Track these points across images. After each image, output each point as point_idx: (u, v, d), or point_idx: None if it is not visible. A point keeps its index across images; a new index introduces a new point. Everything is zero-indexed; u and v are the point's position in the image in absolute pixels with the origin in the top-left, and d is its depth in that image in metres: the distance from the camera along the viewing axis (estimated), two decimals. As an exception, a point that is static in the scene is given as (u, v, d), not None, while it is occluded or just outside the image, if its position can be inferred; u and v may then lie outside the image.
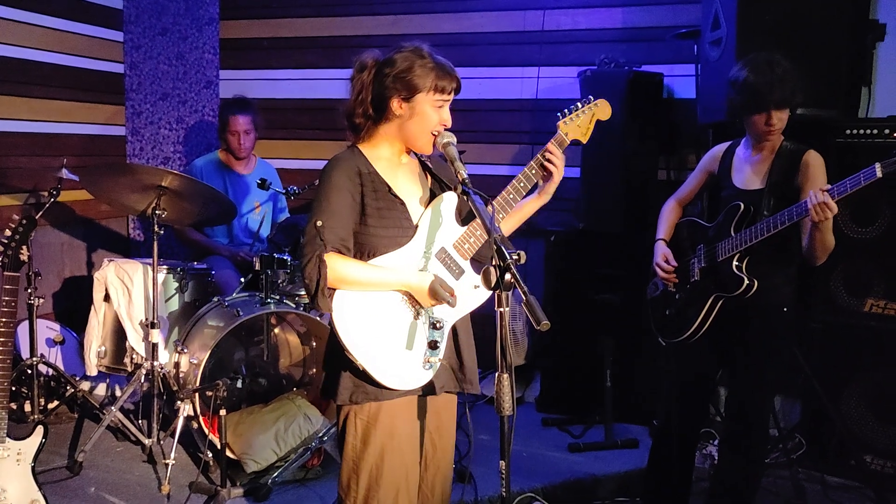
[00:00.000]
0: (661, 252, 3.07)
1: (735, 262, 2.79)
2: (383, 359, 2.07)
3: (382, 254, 2.11)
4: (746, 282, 2.75)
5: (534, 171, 2.22)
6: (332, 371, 2.17)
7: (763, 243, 2.72)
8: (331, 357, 2.19)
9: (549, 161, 2.21)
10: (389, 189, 2.15)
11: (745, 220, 2.79)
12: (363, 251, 2.13)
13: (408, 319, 2.11)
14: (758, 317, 2.83)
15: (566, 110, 2.30)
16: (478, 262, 2.19)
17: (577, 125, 2.30)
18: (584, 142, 2.33)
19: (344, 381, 2.12)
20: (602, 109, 2.33)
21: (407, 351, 2.10)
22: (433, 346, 2.10)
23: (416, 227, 2.16)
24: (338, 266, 2.05)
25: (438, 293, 2.05)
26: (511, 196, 2.20)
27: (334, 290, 2.07)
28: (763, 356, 2.84)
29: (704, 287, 2.91)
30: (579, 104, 2.32)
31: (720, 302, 2.87)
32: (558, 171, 2.22)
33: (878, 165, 2.49)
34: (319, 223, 2.07)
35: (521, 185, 2.21)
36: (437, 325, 2.12)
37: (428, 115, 2.12)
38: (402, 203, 2.16)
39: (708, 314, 2.89)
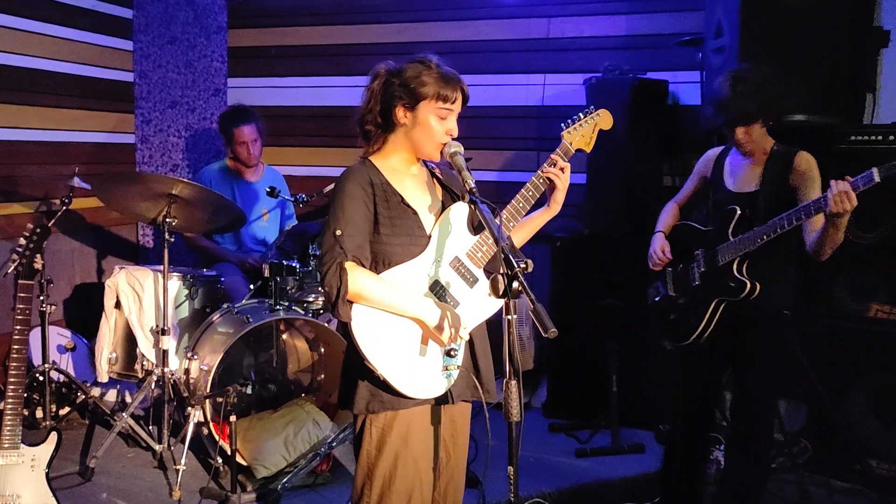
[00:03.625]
0: (660, 242, 3.13)
1: (736, 266, 2.81)
2: (402, 368, 2.09)
3: (397, 263, 2.13)
4: (749, 286, 2.77)
5: (541, 181, 2.24)
6: (349, 381, 2.19)
7: (763, 247, 2.73)
8: (347, 367, 2.21)
9: (551, 173, 2.23)
10: (402, 199, 2.18)
11: (743, 224, 2.81)
12: (378, 260, 2.15)
13: (425, 328, 2.13)
14: (760, 320, 2.85)
15: (569, 120, 2.33)
16: (491, 272, 2.21)
17: (581, 135, 2.33)
18: (588, 150, 2.37)
19: (360, 391, 2.14)
20: (604, 119, 2.37)
21: (425, 359, 2.13)
22: (450, 354, 2.12)
23: (430, 236, 2.19)
24: (357, 280, 2.06)
25: (442, 331, 2.09)
26: (520, 205, 2.22)
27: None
28: (766, 359, 2.86)
29: (707, 291, 2.93)
30: (581, 114, 2.35)
31: (722, 305, 2.89)
32: (562, 182, 2.24)
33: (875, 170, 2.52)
34: (339, 232, 2.09)
35: (530, 193, 2.23)
36: None
37: (431, 124, 2.15)
38: (415, 213, 2.19)
39: (711, 318, 2.90)
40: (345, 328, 2.14)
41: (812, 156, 2.81)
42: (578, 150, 2.34)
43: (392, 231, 2.15)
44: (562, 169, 2.24)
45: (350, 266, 2.07)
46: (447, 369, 2.13)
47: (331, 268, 2.07)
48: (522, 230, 2.36)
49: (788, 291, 2.88)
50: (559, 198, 2.27)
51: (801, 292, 2.95)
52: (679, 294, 3.07)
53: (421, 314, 2.10)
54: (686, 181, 3.22)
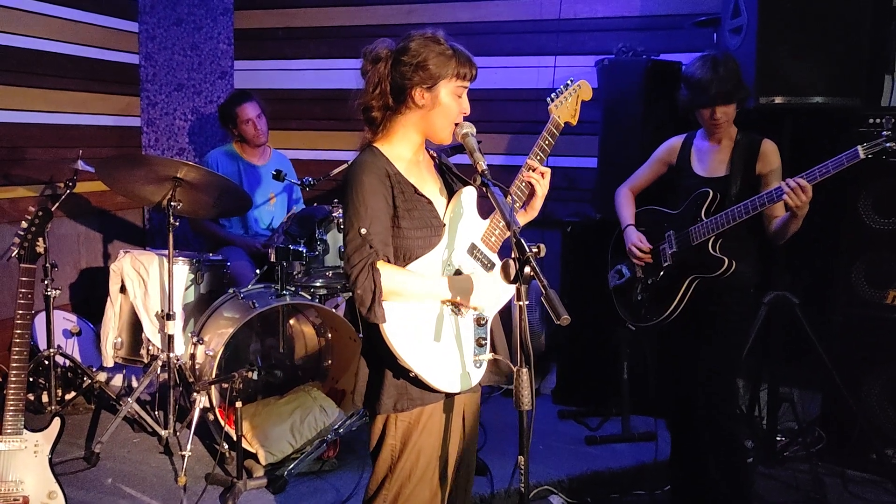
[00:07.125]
0: (636, 235, 3.21)
1: (711, 245, 2.95)
2: (436, 364, 2.03)
3: (418, 256, 2.06)
4: (727, 262, 2.91)
5: (524, 184, 2.16)
6: (373, 381, 2.11)
7: (734, 227, 2.87)
8: (371, 367, 2.13)
9: (532, 178, 2.15)
10: (416, 189, 2.10)
11: (714, 205, 2.96)
12: (398, 254, 2.07)
13: (453, 320, 2.08)
14: (727, 295, 2.99)
15: (554, 94, 2.30)
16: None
17: (566, 108, 2.29)
18: (574, 123, 2.32)
19: (387, 390, 2.06)
20: (584, 90, 2.32)
21: (457, 352, 2.08)
22: (480, 343, 2.09)
23: (444, 224, 2.12)
24: (390, 277, 1.98)
25: (480, 303, 2.06)
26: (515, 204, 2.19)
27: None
28: (731, 332, 3.02)
29: (680, 270, 3.03)
30: (564, 87, 2.31)
31: (695, 283, 3.01)
32: (541, 188, 2.16)
33: (860, 147, 2.65)
34: (364, 230, 1.99)
35: (515, 202, 2.18)
36: (481, 322, 2.11)
37: (450, 104, 2.09)
38: (430, 202, 2.12)
39: (684, 296, 3.03)
40: (368, 329, 2.06)
41: (775, 143, 2.99)
42: (566, 124, 2.29)
43: (411, 224, 2.07)
44: (542, 174, 2.16)
45: (381, 265, 1.99)
46: (478, 359, 2.09)
47: (363, 269, 1.97)
48: None
49: (753, 270, 3.04)
50: (537, 205, 2.19)
51: (761, 271, 3.11)
52: (647, 275, 3.18)
53: (457, 293, 2.04)
54: (642, 167, 3.33)
